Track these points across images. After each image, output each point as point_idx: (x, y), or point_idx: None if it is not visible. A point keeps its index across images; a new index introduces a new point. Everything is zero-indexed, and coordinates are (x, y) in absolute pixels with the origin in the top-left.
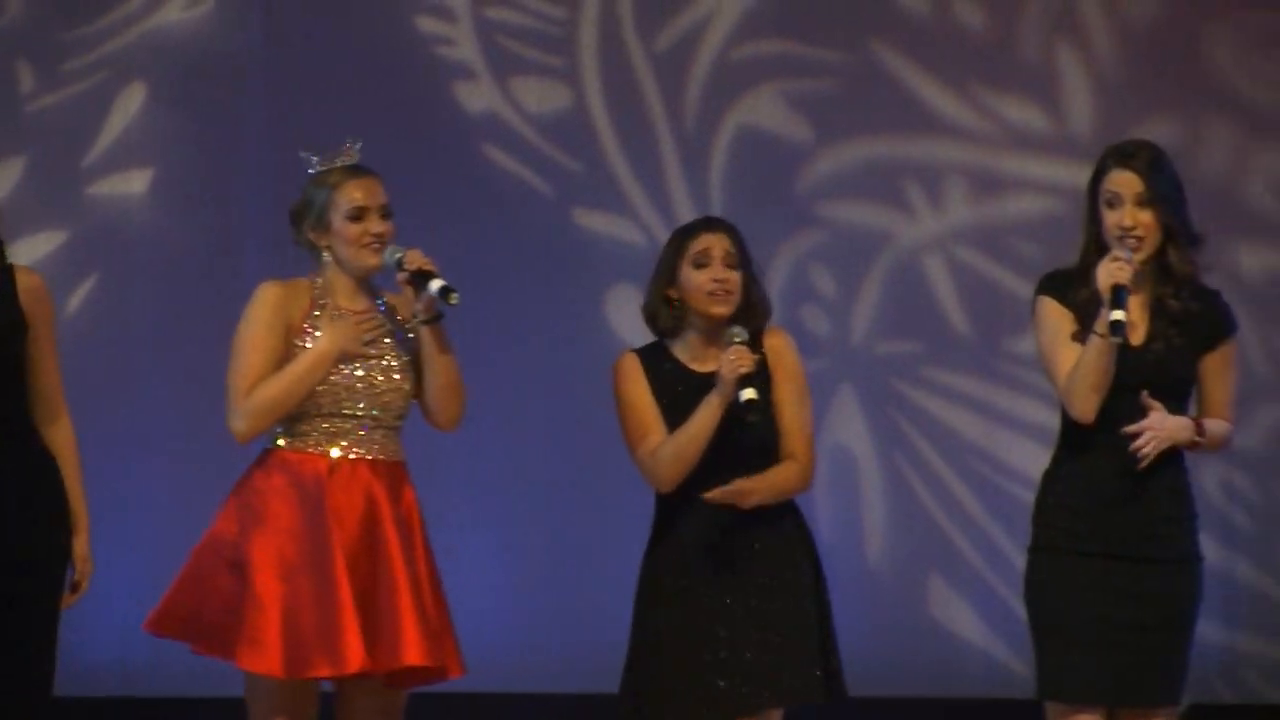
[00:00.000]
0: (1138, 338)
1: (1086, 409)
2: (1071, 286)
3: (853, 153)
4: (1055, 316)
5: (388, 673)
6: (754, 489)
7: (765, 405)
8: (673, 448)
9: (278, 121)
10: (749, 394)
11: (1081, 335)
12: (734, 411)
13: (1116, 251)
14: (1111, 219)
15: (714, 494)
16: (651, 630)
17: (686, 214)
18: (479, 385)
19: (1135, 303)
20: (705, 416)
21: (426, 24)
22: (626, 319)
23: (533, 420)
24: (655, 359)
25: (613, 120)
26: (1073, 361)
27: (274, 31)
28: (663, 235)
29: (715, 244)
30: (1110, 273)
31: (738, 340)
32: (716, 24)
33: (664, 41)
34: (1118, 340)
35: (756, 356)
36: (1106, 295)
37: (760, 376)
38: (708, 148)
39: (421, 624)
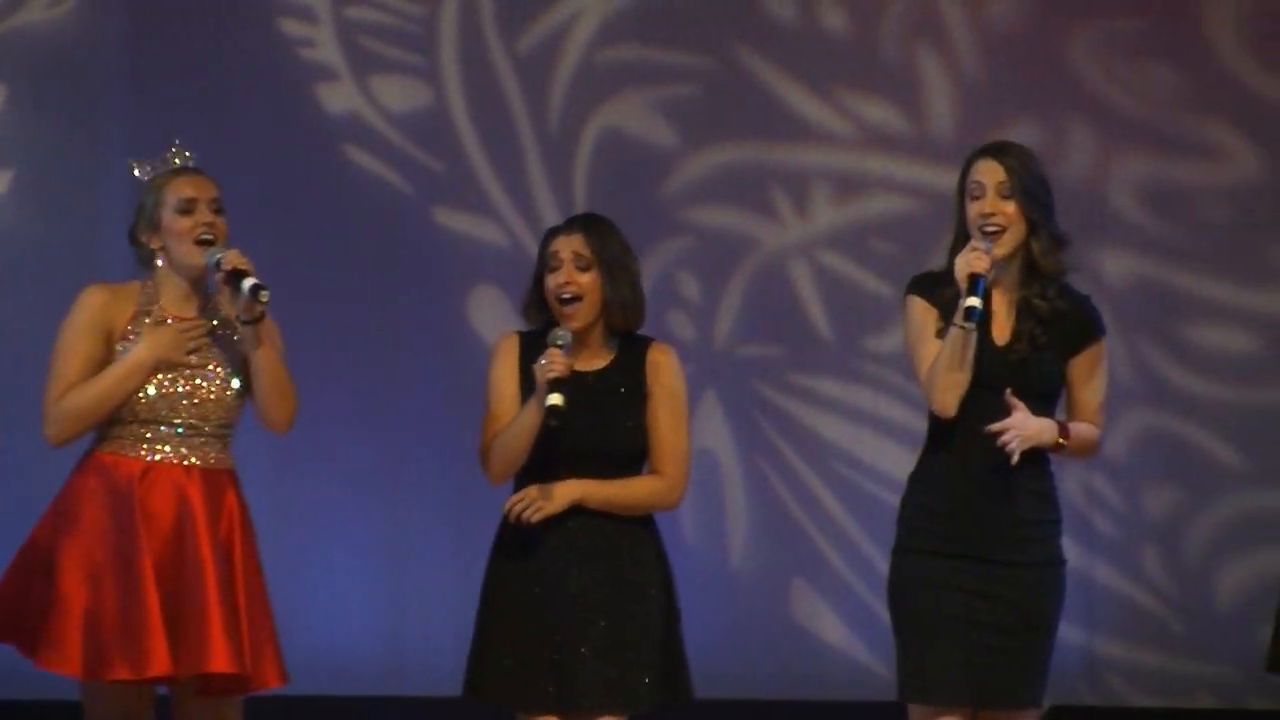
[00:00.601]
0: (1003, 338)
1: (946, 402)
2: (939, 285)
3: (716, 157)
4: (921, 314)
5: (200, 678)
6: (598, 495)
7: (582, 412)
8: (498, 444)
9: (140, 123)
10: (554, 399)
11: (945, 332)
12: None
13: (975, 241)
14: (974, 209)
15: (513, 500)
16: (495, 622)
17: (550, 216)
18: (342, 386)
19: (1001, 303)
20: (525, 417)
21: (289, 25)
22: (488, 319)
23: (396, 420)
24: (535, 345)
25: (474, 121)
26: (933, 348)
27: (137, 33)
28: (525, 236)
29: (564, 246)
30: (968, 261)
31: (558, 344)
32: (580, 26)
33: (527, 43)
34: (971, 328)
35: (569, 361)
36: (964, 284)
37: (623, 385)
38: (571, 151)
39: (229, 631)
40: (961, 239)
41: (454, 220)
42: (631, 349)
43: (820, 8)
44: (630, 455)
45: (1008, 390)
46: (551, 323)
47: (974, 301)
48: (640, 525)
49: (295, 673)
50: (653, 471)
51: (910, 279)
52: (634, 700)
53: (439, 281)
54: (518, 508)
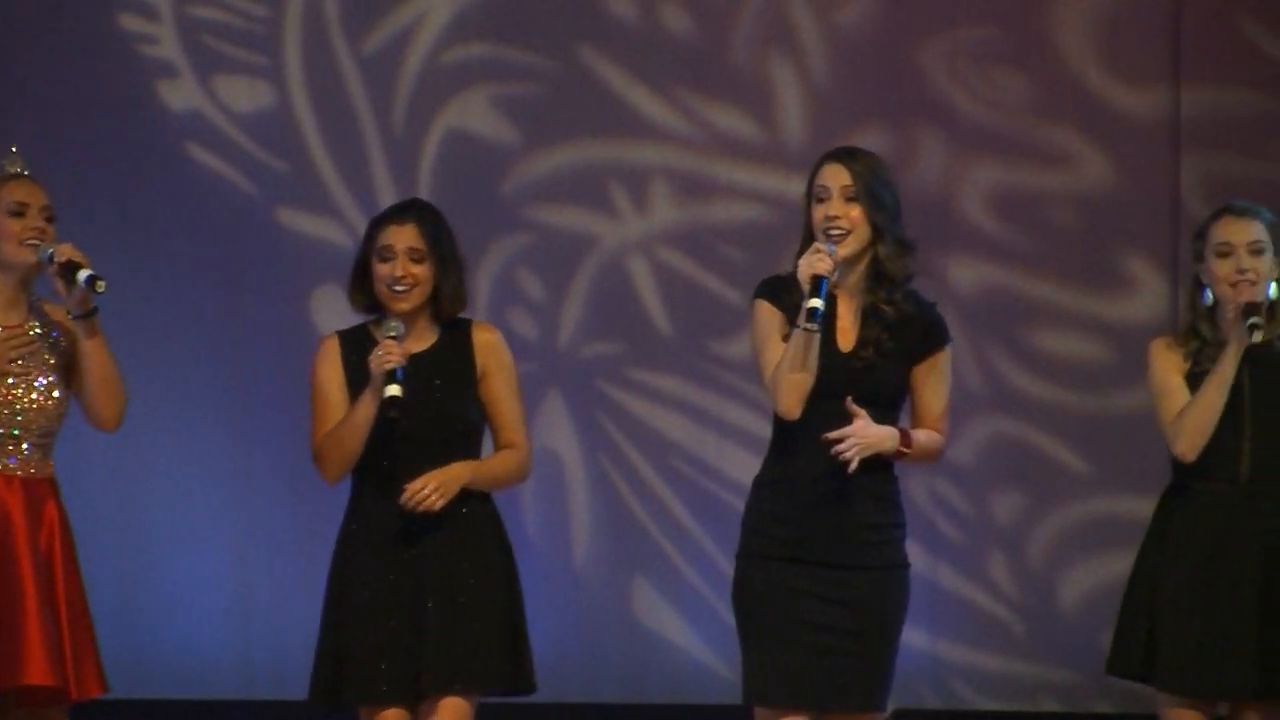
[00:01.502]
0: (848, 344)
1: (789, 403)
2: (786, 289)
3: (560, 157)
4: (766, 317)
5: (19, 690)
6: (483, 474)
7: (414, 395)
8: (331, 442)
9: None
10: (392, 390)
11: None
12: (380, 407)
13: (818, 244)
14: (819, 212)
15: (413, 489)
16: (342, 609)
17: None
18: (187, 387)
19: (847, 310)
20: (359, 411)
21: (130, 22)
22: (331, 318)
23: (238, 418)
24: (357, 342)
25: (318, 121)
26: (780, 348)
27: None
28: None
29: (399, 239)
30: (810, 263)
31: (391, 335)
32: (425, 27)
33: (371, 43)
34: (814, 328)
35: (405, 349)
36: (806, 286)
37: (454, 370)
38: (415, 150)
39: (48, 643)
40: (808, 243)
41: (297, 220)
42: (455, 330)
43: (664, 10)
44: (468, 433)
45: (848, 398)
46: (374, 307)
47: (815, 303)
48: (482, 505)
49: (144, 678)
50: (503, 446)
51: (759, 283)
52: (482, 678)
53: (283, 282)
54: (419, 496)
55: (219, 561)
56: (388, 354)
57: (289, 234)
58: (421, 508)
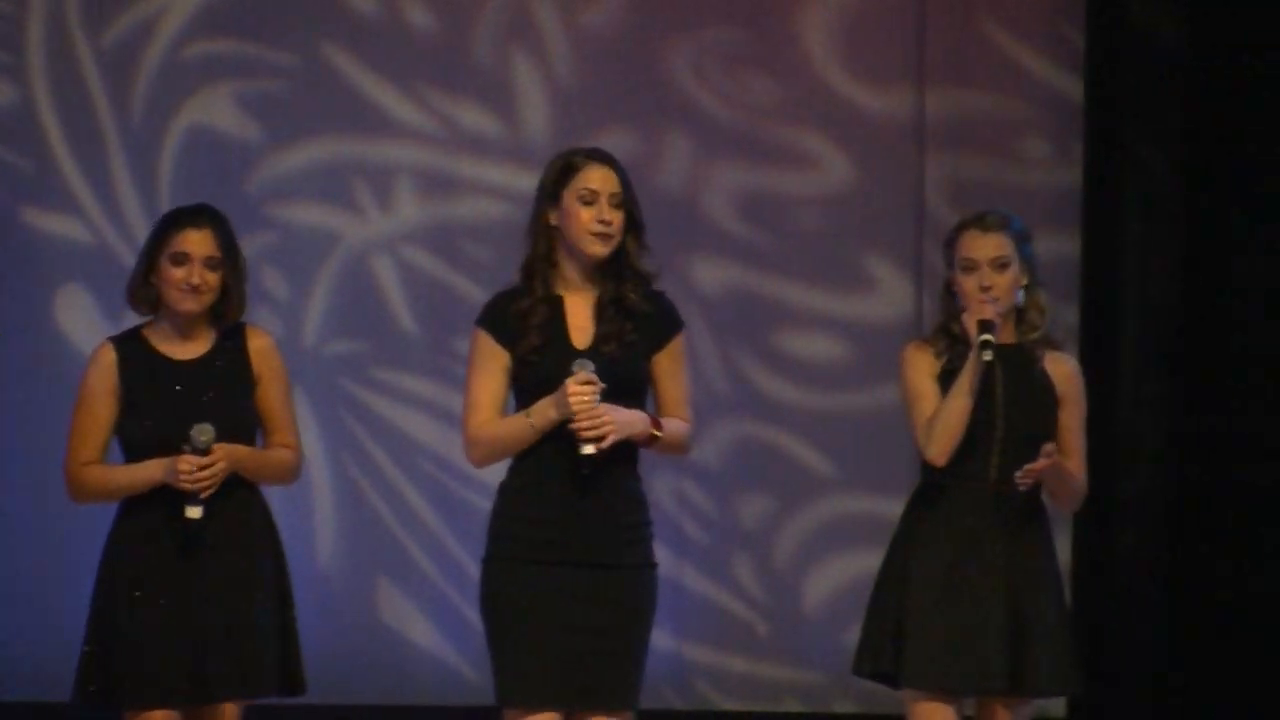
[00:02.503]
0: (584, 340)
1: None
2: (505, 311)
3: (304, 154)
4: (487, 347)
5: None
6: (250, 460)
7: (188, 400)
8: (99, 487)
9: None
10: (193, 513)
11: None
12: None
13: (595, 246)
14: (589, 213)
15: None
16: (112, 608)
17: (135, 214)
18: None
19: (579, 306)
20: (139, 476)
21: None
22: (74, 319)
23: None
24: (131, 347)
25: (60, 118)
26: (484, 387)
27: None
28: (111, 236)
29: (196, 245)
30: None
31: (200, 447)
32: (166, 21)
33: (112, 38)
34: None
35: (215, 474)
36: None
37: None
38: (157, 147)
39: None
40: (544, 241)
41: (40, 219)
42: (230, 334)
43: (407, 7)
44: (244, 438)
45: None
46: (155, 307)
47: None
48: (259, 515)
49: None
50: (280, 445)
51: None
52: (259, 684)
53: (25, 282)
54: (196, 475)
55: None
56: (197, 479)
57: (32, 233)
58: (201, 476)
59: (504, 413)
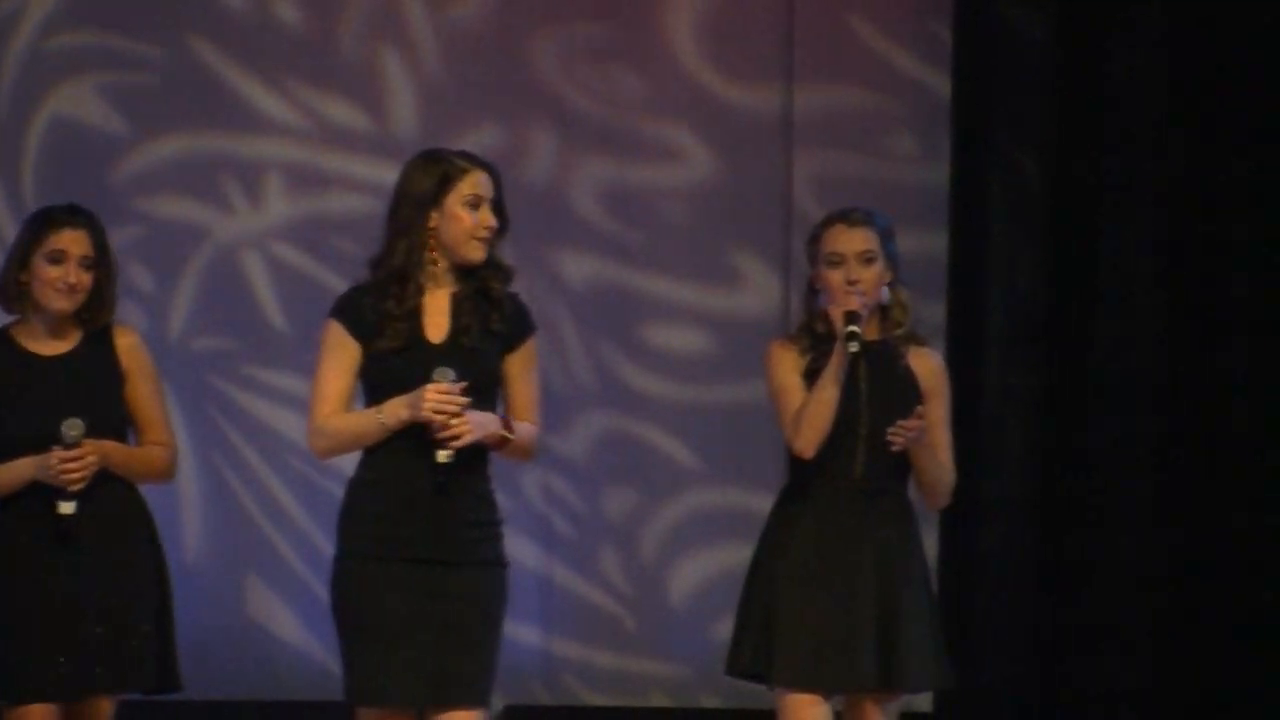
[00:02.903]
0: (439, 335)
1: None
2: (358, 306)
3: (171, 148)
4: (337, 337)
5: None
6: (115, 455)
7: (56, 397)
8: None
9: None
10: (66, 509)
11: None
12: None
13: (478, 251)
14: (481, 219)
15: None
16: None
17: None
18: None
19: (434, 301)
20: (9, 475)
21: None
22: None
23: None
24: None
25: None
26: (334, 379)
27: None
28: None
29: (72, 244)
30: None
31: (69, 444)
32: (31, 13)
33: None
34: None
35: (84, 466)
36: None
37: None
38: (21, 139)
39: None
40: (419, 243)
41: None
42: (97, 332)
43: (276, 1)
44: (115, 436)
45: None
46: (23, 305)
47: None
48: (135, 506)
49: None
50: (153, 442)
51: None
52: (138, 680)
53: None
54: (65, 468)
55: None
56: (67, 471)
57: None
58: (72, 470)
59: (351, 406)
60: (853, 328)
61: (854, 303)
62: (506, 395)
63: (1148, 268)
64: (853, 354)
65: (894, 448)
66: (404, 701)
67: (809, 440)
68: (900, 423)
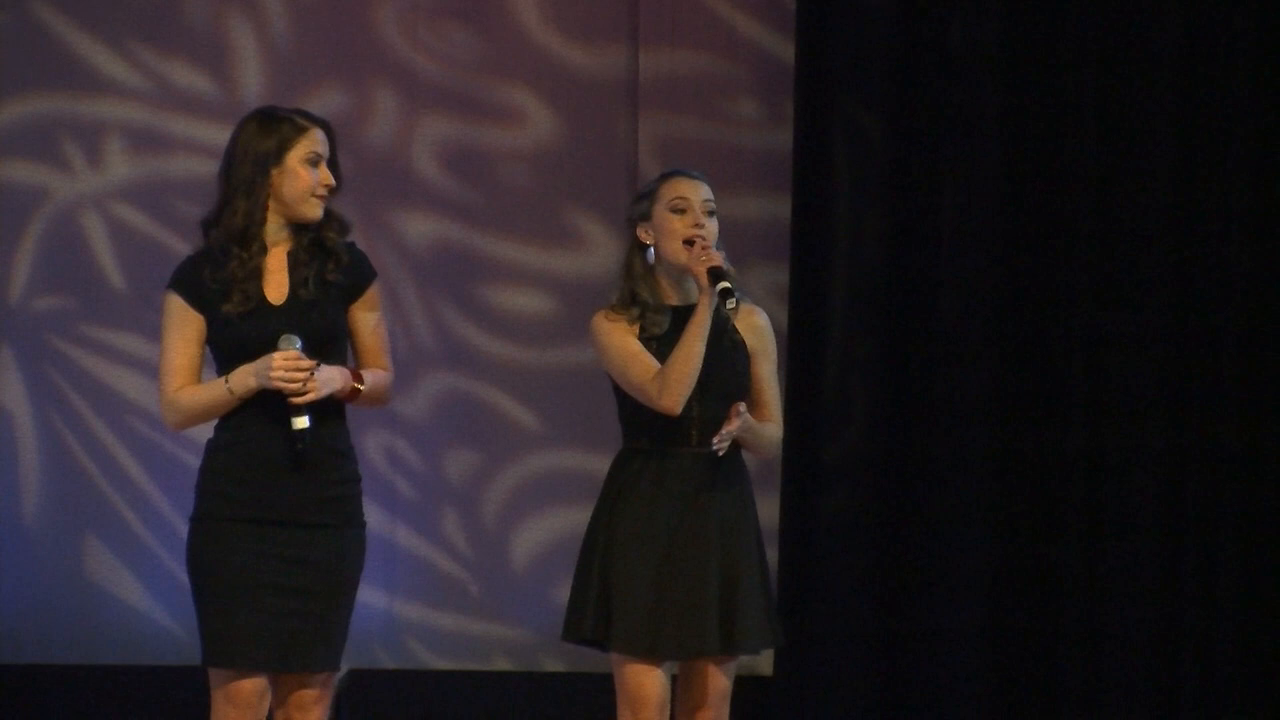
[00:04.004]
0: (282, 293)
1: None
2: (198, 274)
3: (12, 110)
4: (179, 312)
5: None
6: None
7: None
8: None
9: None
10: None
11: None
12: None
13: (317, 209)
14: (321, 176)
15: None
16: None
17: None
18: None
19: (274, 260)
20: None
21: None
22: None
23: None
24: None
25: None
26: (180, 352)
27: None
28: None
29: None
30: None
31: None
32: None
33: None
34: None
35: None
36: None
37: None
38: None
39: None
40: (260, 202)
41: None
42: None
43: None
44: None
45: (284, 336)
46: None
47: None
48: None
49: None
50: None
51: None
52: None
53: None
54: None
55: None
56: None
57: None
58: None
59: (200, 375)
60: (726, 285)
61: (716, 258)
62: (354, 345)
63: (988, 232)
64: (730, 309)
65: (719, 453)
66: (256, 664)
67: (677, 398)
68: (722, 430)
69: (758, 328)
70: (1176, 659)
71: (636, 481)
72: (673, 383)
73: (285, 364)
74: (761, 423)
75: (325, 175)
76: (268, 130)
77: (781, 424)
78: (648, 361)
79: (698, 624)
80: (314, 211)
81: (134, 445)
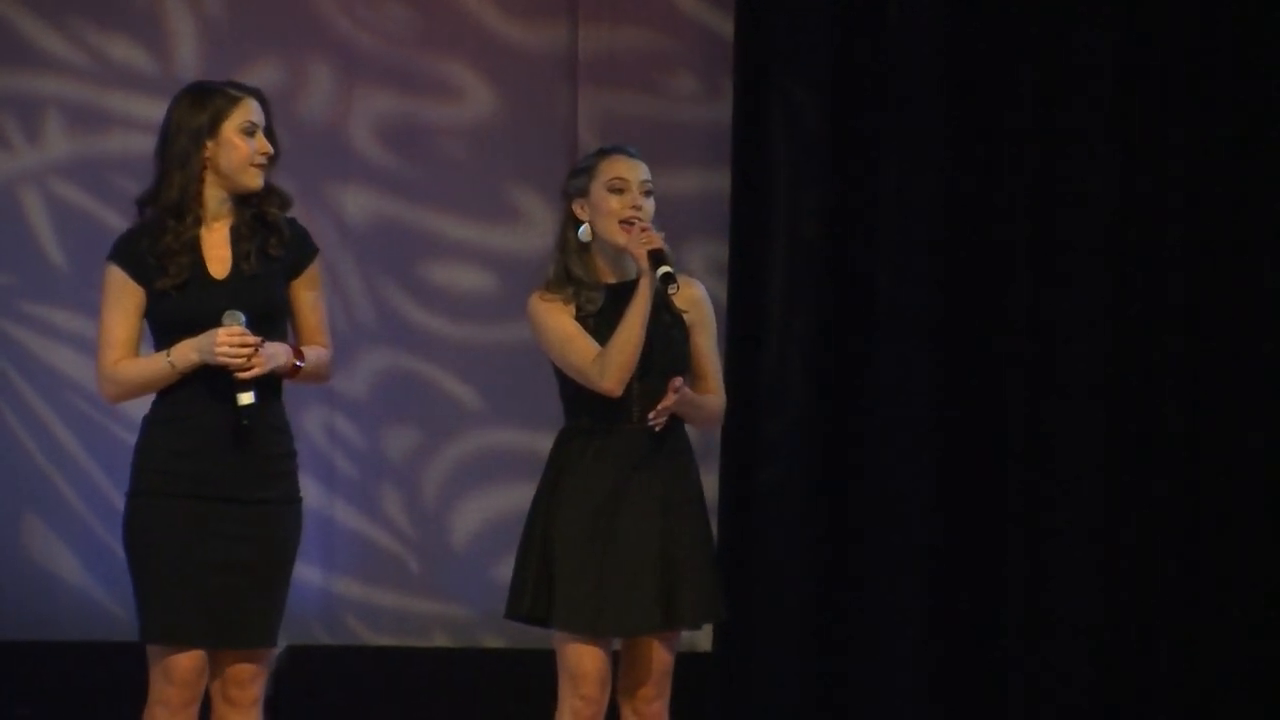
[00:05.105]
0: (225, 268)
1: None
2: (137, 249)
3: None
4: (119, 284)
5: None
6: None
7: None
8: None
9: None
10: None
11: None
12: None
13: (257, 178)
14: (259, 145)
15: None
16: None
17: None
18: None
19: (214, 236)
20: None
21: None
22: None
23: None
24: None
25: None
26: (120, 324)
27: None
28: None
29: None
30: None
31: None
32: None
33: None
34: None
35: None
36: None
37: None
38: None
39: None
40: (195, 175)
41: None
42: None
43: None
44: None
45: (227, 312)
46: None
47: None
48: None
49: None
50: None
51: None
52: None
53: None
54: None
55: None
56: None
57: None
58: None
59: (139, 348)
60: (667, 269)
61: (656, 240)
62: (295, 321)
63: (926, 205)
64: (671, 293)
65: (657, 429)
66: (194, 640)
67: (618, 378)
68: (659, 406)
69: (695, 299)
70: (1119, 645)
71: (578, 460)
72: (614, 366)
73: (230, 339)
74: (703, 395)
75: (263, 144)
76: (201, 104)
77: (724, 394)
78: (586, 344)
79: (638, 601)
80: (254, 181)
81: (73, 422)
